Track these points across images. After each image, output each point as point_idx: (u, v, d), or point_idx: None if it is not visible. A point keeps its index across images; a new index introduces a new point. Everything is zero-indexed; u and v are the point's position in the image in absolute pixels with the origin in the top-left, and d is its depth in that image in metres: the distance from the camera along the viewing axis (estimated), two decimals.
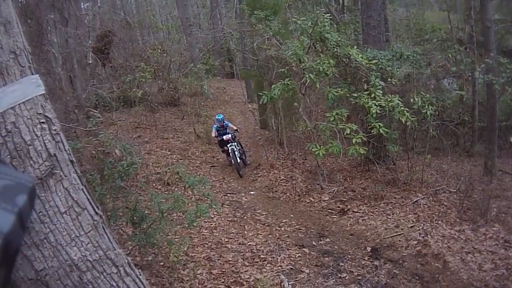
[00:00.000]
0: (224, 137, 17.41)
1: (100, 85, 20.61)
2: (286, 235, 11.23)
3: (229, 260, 9.55)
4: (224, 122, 17.90)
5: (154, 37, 35.32)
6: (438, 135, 16.53)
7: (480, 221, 11.40)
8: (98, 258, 2.98)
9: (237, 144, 17.53)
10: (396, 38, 27.51)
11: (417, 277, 9.03)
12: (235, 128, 18.22)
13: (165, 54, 24.09)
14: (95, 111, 14.27)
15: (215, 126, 17.87)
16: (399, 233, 11.15)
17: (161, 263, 8.92)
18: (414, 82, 15.74)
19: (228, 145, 17.20)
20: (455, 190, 13.53)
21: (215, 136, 17.88)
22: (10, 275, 1.94)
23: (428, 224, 11.42)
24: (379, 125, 12.50)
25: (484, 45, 16.49)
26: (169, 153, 17.74)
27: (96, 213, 3.05)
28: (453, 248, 10.14)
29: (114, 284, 3.08)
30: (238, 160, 17.03)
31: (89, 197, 3.03)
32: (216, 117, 18.11)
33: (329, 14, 14.29)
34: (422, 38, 24.70)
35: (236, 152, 17.00)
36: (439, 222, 11.55)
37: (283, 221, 12.31)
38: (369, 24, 15.68)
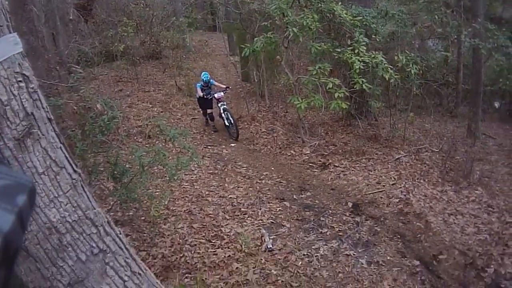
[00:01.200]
0: (216, 95, 15.96)
1: (82, 41, 20.72)
2: (267, 188, 11.28)
3: (210, 214, 9.59)
4: (209, 81, 16.25)
5: None
6: (421, 94, 16.76)
7: (462, 183, 11.49)
8: (77, 219, 2.93)
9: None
10: None
11: (398, 236, 9.08)
12: (223, 86, 16.86)
13: (147, 8, 23.92)
14: (77, 66, 14.22)
15: (199, 84, 16.12)
16: (380, 189, 11.24)
17: (142, 218, 8.97)
18: (398, 40, 15.73)
19: (219, 105, 15.89)
20: (437, 150, 13.63)
21: (203, 96, 15.93)
22: (11, 275, 1.90)
23: (410, 183, 11.51)
24: (362, 81, 12.49)
25: (471, 10, 16.44)
26: (150, 106, 17.68)
27: (75, 171, 2.97)
28: (435, 209, 10.22)
29: (94, 245, 3.04)
30: (232, 121, 15.48)
31: (67, 155, 2.95)
32: (202, 76, 16.26)
33: None
34: None
35: (229, 113, 15.64)
36: (421, 181, 11.64)
37: (264, 173, 12.35)
38: None
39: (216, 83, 16.80)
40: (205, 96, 15.93)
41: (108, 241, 3.16)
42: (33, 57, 11.24)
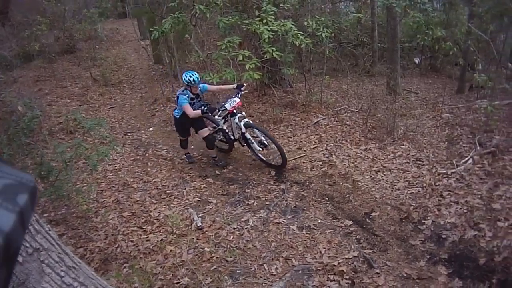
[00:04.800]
0: (228, 105, 10.10)
1: (1, 45, 20.80)
2: (189, 167, 11.33)
3: (137, 200, 9.62)
4: (199, 85, 10.28)
5: None
6: (335, 56, 17.02)
7: (387, 140, 11.57)
8: None
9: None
10: None
11: (326, 198, 9.07)
12: (231, 85, 10.98)
13: (59, 4, 23.66)
14: None
15: (185, 97, 10.01)
16: (302, 154, 11.29)
17: (74, 215, 8.95)
18: (308, 6, 15.83)
19: (235, 120, 10.48)
20: (357, 110, 13.77)
21: (204, 112, 10.02)
22: (11, 275, 1.75)
23: (332, 144, 11.61)
24: (272, 49, 12.36)
25: None
26: (68, 101, 17.56)
27: None
28: (361, 168, 10.27)
29: (28, 245, 3.04)
30: (267, 142, 10.35)
31: None
32: (184, 77, 10.01)
33: None
34: None
35: (258, 129, 10.54)
36: (343, 141, 11.72)
37: None
38: None
39: (214, 87, 11.29)
40: (206, 113, 10.23)
41: (40, 239, 3.17)
42: None
